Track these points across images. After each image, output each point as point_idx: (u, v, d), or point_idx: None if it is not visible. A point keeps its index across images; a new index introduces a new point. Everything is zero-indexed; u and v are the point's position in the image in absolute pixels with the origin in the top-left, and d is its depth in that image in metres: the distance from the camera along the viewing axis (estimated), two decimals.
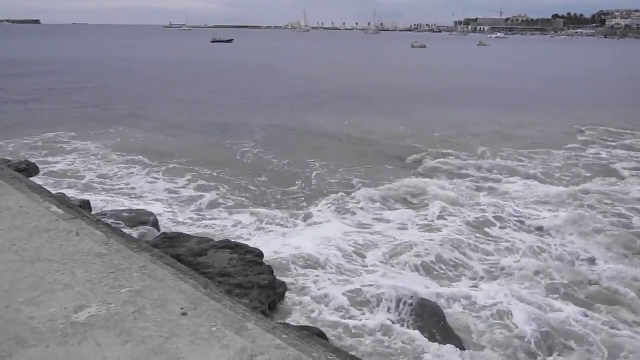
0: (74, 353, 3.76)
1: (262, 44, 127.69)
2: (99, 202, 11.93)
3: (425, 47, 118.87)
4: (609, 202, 12.96)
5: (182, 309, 4.41)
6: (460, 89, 41.05)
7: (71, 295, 4.49)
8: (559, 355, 6.72)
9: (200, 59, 69.23)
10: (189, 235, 8.43)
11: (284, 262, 9.22)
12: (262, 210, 11.94)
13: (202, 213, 11.79)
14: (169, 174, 14.76)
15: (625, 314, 7.89)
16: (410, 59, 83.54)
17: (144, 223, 8.95)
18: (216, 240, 8.24)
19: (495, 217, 11.74)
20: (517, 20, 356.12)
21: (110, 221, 8.16)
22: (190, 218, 11.35)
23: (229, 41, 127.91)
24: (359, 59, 79.04)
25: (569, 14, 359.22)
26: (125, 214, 9.50)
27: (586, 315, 7.69)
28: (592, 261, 9.54)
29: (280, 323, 6.62)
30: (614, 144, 20.98)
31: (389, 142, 20.09)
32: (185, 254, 7.47)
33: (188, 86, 38.30)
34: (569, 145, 20.31)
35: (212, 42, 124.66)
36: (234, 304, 5.61)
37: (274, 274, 7.60)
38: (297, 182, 14.34)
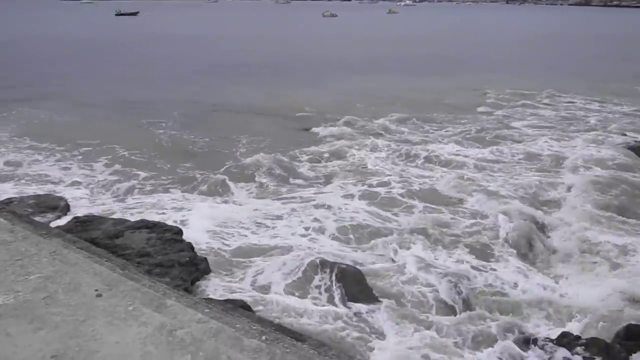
0: None
1: (170, 15, 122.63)
2: (5, 190, 11.21)
3: (336, 16, 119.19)
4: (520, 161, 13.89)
5: (96, 290, 4.30)
6: (374, 57, 41.80)
7: None
8: (470, 308, 7.14)
9: (104, 34, 65.65)
10: (103, 217, 8.14)
11: (205, 238, 9.16)
12: (180, 190, 11.70)
13: (118, 196, 11.34)
14: (82, 158, 14.02)
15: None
16: (321, 28, 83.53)
17: (53, 208, 8.54)
18: (132, 221, 8.01)
19: (406, 182, 12.20)
20: None
21: (15, 208, 7.72)
22: (104, 203, 10.88)
23: (134, 14, 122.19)
24: (271, 30, 77.94)
25: None
26: (32, 200, 9.02)
27: (494, 269, 8.23)
28: (495, 221, 10.08)
29: (203, 298, 6.63)
30: (519, 104, 22.31)
31: (307, 113, 20.12)
32: (100, 237, 7.22)
33: (94, 62, 36.36)
34: (479, 109, 21.31)
35: (116, 15, 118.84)
36: (154, 282, 5.53)
37: (195, 251, 7.53)
38: (216, 160, 14.07)
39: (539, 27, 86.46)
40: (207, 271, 7.51)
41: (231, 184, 11.98)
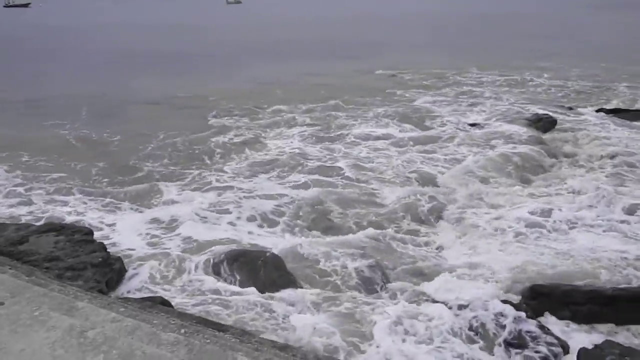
0: None
1: (65, 6, 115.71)
2: None
3: (240, 2, 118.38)
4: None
5: None
6: (283, 41, 41.94)
7: None
8: (385, 282, 7.39)
9: None
10: (3, 224, 7.66)
11: (122, 238, 8.86)
12: (91, 190, 11.19)
13: (22, 203, 10.65)
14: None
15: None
16: (227, 15, 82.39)
17: None
18: (37, 225, 7.59)
19: (321, 166, 12.50)
20: None
21: None
22: (5, 211, 10.21)
23: (26, 5, 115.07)
24: (173, 18, 75.95)
25: None
26: None
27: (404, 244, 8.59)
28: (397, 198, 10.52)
29: (120, 298, 6.43)
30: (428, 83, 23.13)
31: (217, 102, 19.81)
32: (2, 245, 6.81)
33: None
34: (388, 90, 21.90)
35: (5, 6, 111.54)
36: (63, 286, 5.31)
37: (108, 251, 7.26)
38: (128, 158, 13.54)
39: (442, 8, 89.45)
40: (122, 271, 7.26)
41: (146, 182, 11.61)
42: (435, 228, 9.37)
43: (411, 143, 14.22)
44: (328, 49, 37.52)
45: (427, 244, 8.73)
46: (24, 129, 16.69)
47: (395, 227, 9.29)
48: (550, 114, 16.42)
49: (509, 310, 6.21)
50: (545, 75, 24.84)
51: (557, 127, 15.24)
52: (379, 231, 8.95)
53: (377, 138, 14.76)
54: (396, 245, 8.54)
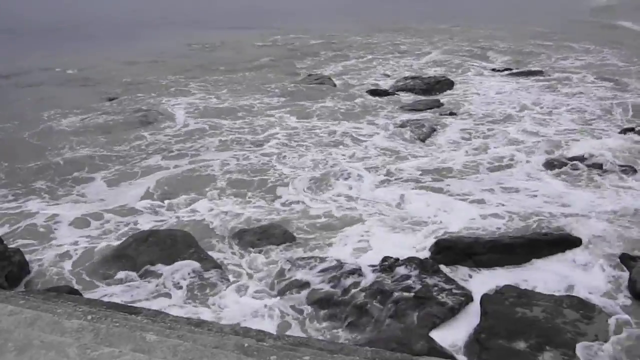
0: None
1: None
2: None
3: None
4: None
5: None
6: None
7: None
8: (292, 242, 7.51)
9: None
10: None
11: (18, 229, 8.37)
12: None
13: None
14: None
15: None
16: None
17: None
18: None
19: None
20: None
21: None
22: None
23: None
24: None
25: None
26: None
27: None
28: None
29: (20, 291, 6.10)
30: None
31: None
32: None
33: None
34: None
35: None
36: None
37: (4, 243, 6.83)
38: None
39: None
40: (23, 263, 6.87)
41: (45, 168, 10.99)
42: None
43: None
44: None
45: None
46: None
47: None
48: None
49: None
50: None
51: None
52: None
53: None
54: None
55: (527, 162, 10.80)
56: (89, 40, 28.63)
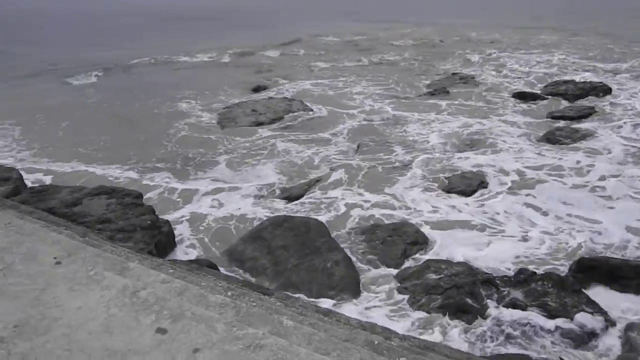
0: None
1: None
2: None
3: None
4: None
5: (55, 258, 4.25)
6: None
7: None
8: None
9: None
10: (58, 186, 7.95)
11: (172, 202, 9.13)
12: (142, 157, 11.51)
13: (79, 166, 11.06)
14: (24, 130, 13.59)
15: None
16: None
17: (5, 180, 8.26)
18: (89, 188, 7.84)
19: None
20: None
21: None
22: (56, 172, 10.63)
23: None
24: None
25: None
26: None
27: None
28: None
29: (168, 260, 6.61)
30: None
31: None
32: (57, 206, 7.07)
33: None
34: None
35: None
36: (115, 247, 5.49)
37: (156, 214, 7.46)
38: (181, 123, 13.82)
39: None
40: (171, 234, 7.47)
41: (182, 151, 11.81)
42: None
43: None
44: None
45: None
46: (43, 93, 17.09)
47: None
48: None
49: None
50: None
51: None
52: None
53: None
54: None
55: None
56: (239, 28, 30.24)
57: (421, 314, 5.84)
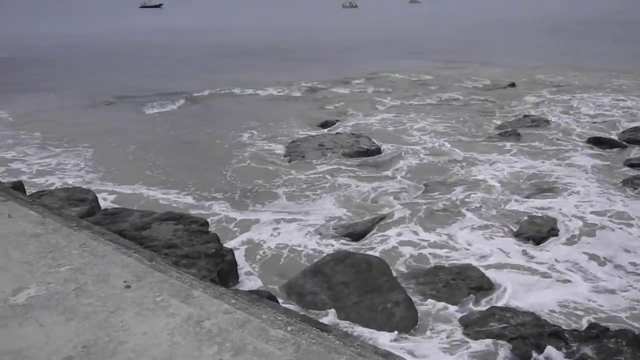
0: (15, 335, 3.68)
1: (192, 7, 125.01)
2: (35, 181, 11.69)
3: (357, 6, 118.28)
4: None
5: (125, 282, 4.37)
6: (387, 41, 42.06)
7: (7, 277, 4.36)
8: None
9: (130, 25, 66.75)
10: (130, 209, 8.27)
11: (231, 230, 9.28)
12: (214, 185, 11.85)
13: (142, 190, 11.53)
14: (101, 152, 14.36)
15: None
16: (341, 18, 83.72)
17: (82, 201, 8.69)
18: (159, 213, 8.11)
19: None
20: None
21: (46, 201, 7.88)
22: (129, 196, 11.12)
23: (158, 6, 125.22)
24: (292, 19, 78.66)
25: None
26: (62, 193, 9.19)
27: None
28: None
29: (229, 289, 6.68)
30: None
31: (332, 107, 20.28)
32: (128, 229, 7.34)
33: (119, 55, 36.90)
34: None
35: (140, 7, 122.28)
36: (180, 273, 5.59)
37: (220, 242, 7.60)
38: (244, 154, 14.20)
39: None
40: (233, 263, 7.57)
41: (243, 181, 12.04)
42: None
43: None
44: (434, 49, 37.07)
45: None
46: (130, 119, 18.04)
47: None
48: None
49: None
50: None
51: None
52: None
53: None
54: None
55: None
56: (312, 63, 31.24)
57: None
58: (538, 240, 8.80)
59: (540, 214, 9.85)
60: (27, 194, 8.42)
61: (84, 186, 10.68)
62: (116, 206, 9.63)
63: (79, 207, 8.12)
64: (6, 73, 29.39)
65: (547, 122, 16.97)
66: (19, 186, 8.27)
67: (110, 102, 21.08)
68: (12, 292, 4.17)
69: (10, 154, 14.20)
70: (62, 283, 4.32)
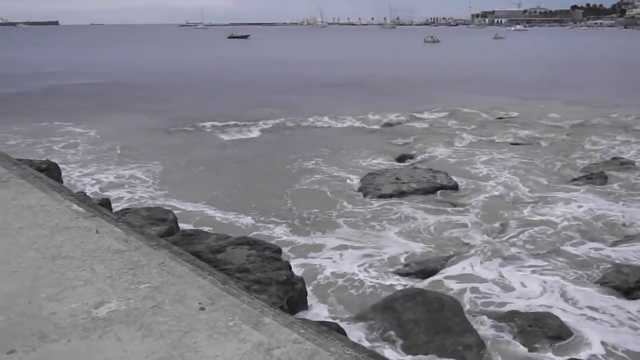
0: (95, 347, 3.82)
1: (277, 39, 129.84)
2: (120, 199, 12.30)
3: (438, 41, 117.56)
4: None
5: (199, 304, 4.45)
6: (467, 78, 41.56)
7: (91, 291, 4.55)
8: None
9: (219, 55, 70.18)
10: (207, 232, 8.51)
11: (303, 259, 9.33)
12: (278, 210, 12.02)
13: (218, 211, 11.87)
14: (183, 172, 15.02)
15: None
16: (422, 53, 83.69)
17: (162, 220, 9.04)
18: (234, 237, 8.29)
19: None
20: (535, 11, 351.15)
21: (130, 219, 8.24)
22: (207, 218, 11.49)
23: (245, 37, 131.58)
24: (374, 53, 79.55)
25: (587, 4, 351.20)
26: (144, 212, 9.60)
27: None
28: None
29: (299, 318, 6.67)
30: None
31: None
32: (203, 251, 7.53)
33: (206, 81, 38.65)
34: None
35: (229, 37, 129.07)
36: (252, 299, 5.64)
37: (292, 270, 7.63)
38: (312, 181, 14.36)
39: None
40: (303, 292, 7.58)
41: (325, 211, 12.10)
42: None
43: None
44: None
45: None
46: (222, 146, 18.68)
47: None
48: None
49: None
50: None
51: None
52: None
53: None
54: None
55: None
56: (392, 96, 31.55)
57: None
58: (626, 291, 8.22)
59: (627, 263, 9.23)
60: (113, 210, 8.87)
61: (151, 201, 11.25)
62: (192, 227, 9.96)
63: (159, 227, 8.44)
64: (102, 96, 31.54)
65: (636, 164, 16.09)
66: (106, 203, 8.72)
67: (192, 125, 22.12)
68: (95, 305, 4.35)
69: (89, 169, 15.22)
70: (141, 300, 4.47)
